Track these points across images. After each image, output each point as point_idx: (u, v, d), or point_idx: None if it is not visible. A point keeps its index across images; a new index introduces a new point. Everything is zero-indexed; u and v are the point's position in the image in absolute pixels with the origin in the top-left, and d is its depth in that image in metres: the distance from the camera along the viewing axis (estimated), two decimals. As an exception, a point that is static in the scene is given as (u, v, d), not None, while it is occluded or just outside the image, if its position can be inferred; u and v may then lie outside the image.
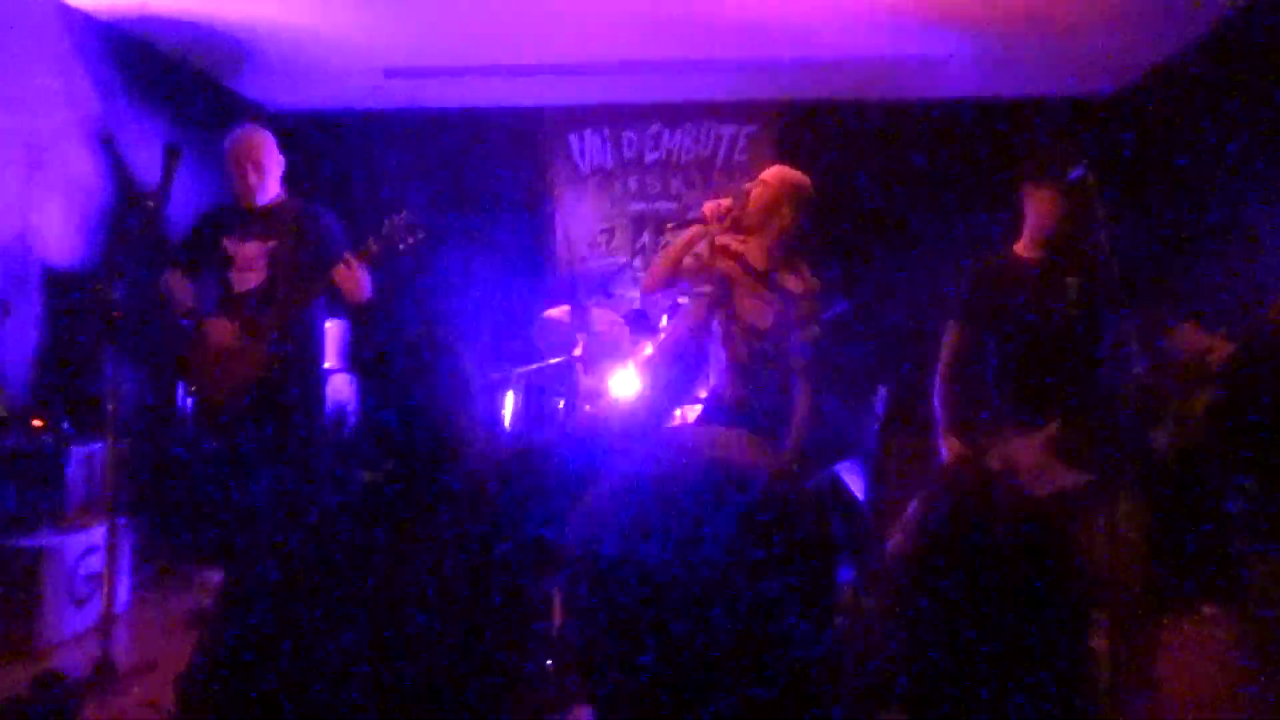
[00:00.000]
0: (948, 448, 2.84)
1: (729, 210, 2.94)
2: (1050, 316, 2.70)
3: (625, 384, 4.07)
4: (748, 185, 3.03)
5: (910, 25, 4.19)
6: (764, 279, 2.96)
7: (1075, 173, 2.52)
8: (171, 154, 2.60)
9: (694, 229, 3.00)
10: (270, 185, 3.23)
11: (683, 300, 3.32)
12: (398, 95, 5.29)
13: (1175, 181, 4.38)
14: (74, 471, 3.43)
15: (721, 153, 5.50)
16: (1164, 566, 3.32)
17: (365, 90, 5.21)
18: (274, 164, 3.26)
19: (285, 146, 5.49)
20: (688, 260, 3.03)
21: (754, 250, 2.98)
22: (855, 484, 3.93)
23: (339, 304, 3.25)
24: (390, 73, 4.92)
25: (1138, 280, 2.77)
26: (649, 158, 5.56)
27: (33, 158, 3.81)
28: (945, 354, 2.90)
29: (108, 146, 4.25)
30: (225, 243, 3.15)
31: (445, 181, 5.45)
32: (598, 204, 5.57)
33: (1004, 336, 2.80)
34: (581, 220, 5.56)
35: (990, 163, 4.74)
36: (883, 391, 3.63)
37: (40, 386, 3.75)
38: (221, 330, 3.09)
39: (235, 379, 3.00)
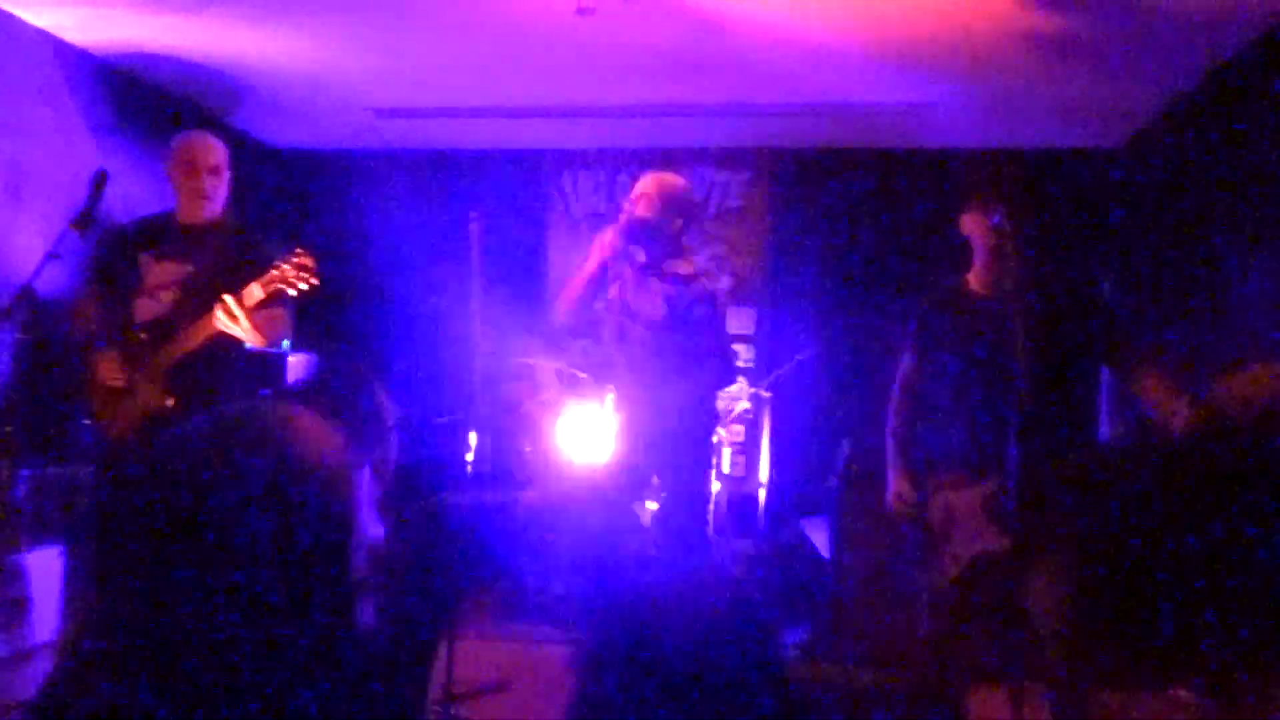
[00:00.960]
0: (893, 491, 2.70)
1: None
2: (998, 349, 2.57)
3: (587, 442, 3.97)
4: (632, 197, 3.07)
5: (898, 72, 4.13)
6: (653, 270, 3.04)
7: (994, 219, 2.42)
8: (99, 180, 2.60)
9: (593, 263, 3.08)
10: (219, 199, 2.90)
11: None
12: (396, 136, 5.35)
13: (1165, 235, 4.22)
14: (23, 496, 3.45)
15: (714, 199, 5.45)
16: (1128, 645, 3.11)
17: (359, 131, 5.28)
18: (226, 176, 2.94)
19: (283, 183, 5.62)
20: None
21: (642, 250, 3.06)
22: (821, 542, 3.77)
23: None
24: (380, 113, 4.98)
25: (1113, 334, 2.64)
26: (641, 202, 5.53)
27: (15, 184, 3.89)
28: (897, 389, 2.78)
29: (99, 177, 4.34)
30: (141, 260, 2.81)
31: (438, 222, 5.48)
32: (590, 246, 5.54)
33: (950, 366, 2.65)
34: (573, 263, 5.53)
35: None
36: (845, 445, 3.49)
37: (10, 412, 3.79)
38: (108, 365, 2.74)
39: (129, 415, 2.72)
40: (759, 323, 5.28)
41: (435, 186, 5.49)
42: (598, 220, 5.56)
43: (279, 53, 4.28)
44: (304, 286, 2.64)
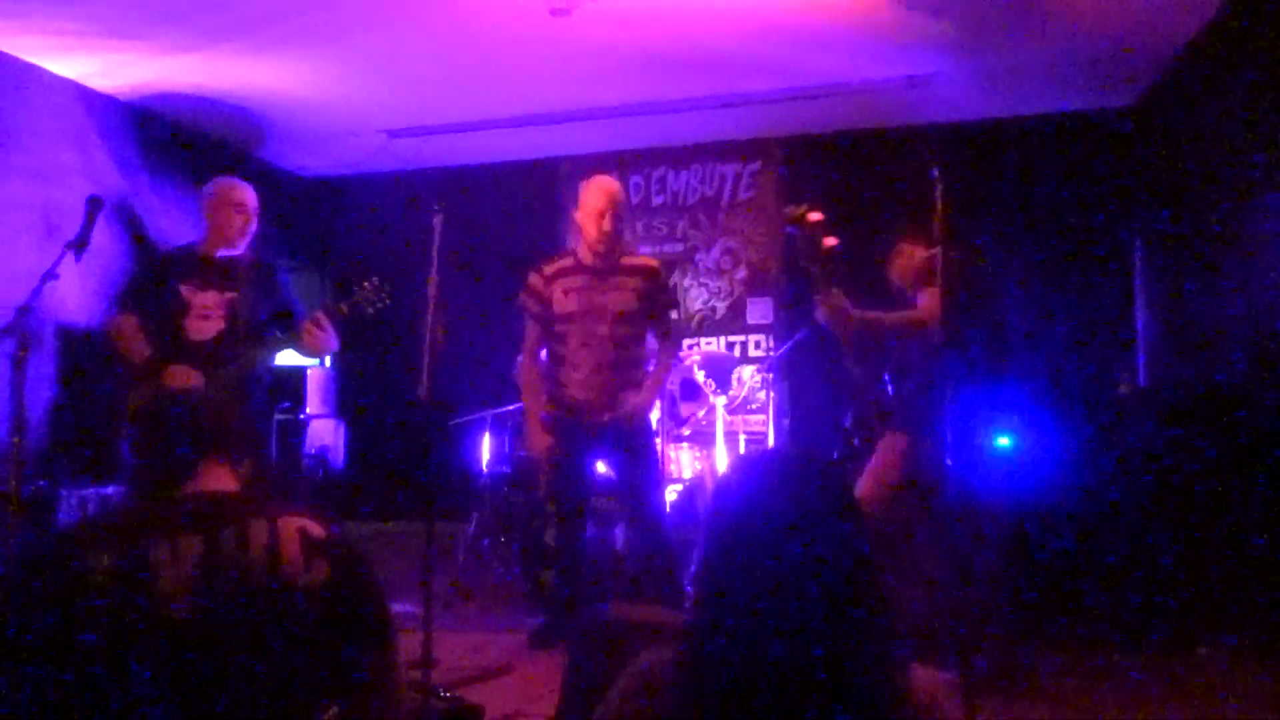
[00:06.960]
0: None
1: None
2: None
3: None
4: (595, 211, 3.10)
5: (894, 46, 4.12)
6: (613, 271, 3.11)
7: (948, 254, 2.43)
8: (94, 204, 2.77)
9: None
10: (249, 236, 3.25)
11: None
12: (416, 156, 5.52)
13: (1189, 189, 4.08)
14: (64, 514, 3.69)
15: (726, 192, 5.48)
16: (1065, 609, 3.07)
17: (375, 154, 5.46)
18: (256, 216, 3.26)
19: (307, 209, 5.85)
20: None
21: (588, 254, 3.13)
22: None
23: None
24: (393, 134, 5.16)
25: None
26: (655, 201, 5.59)
27: (54, 225, 4.15)
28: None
29: (126, 214, 4.60)
30: (182, 289, 3.08)
31: (464, 236, 5.63)
32: (606, 249, 5.62)
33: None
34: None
35: (989, 183, 4.56)
36: (848, 415, 3.47)
37: (52, 435, 4.06)
38: (184, 376, 2.97)
39: None
40: (776, 312, 5.27)
41: (461, 201, 5.64)
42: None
43: (291, 84, 4.48)
44: (380, 306, 3.02)
